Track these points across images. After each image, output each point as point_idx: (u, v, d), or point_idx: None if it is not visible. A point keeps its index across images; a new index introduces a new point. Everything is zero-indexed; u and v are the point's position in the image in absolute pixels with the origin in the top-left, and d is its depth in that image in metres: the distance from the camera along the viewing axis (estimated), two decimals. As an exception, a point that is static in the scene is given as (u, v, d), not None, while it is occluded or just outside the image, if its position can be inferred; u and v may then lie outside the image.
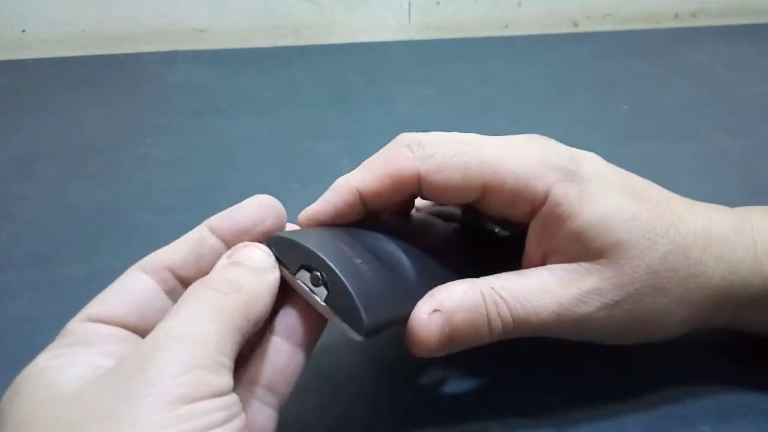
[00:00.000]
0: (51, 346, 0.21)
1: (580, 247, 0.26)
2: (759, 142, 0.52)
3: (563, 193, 0.26)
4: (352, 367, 0.31)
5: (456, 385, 0.30)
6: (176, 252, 0.25)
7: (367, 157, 0.28)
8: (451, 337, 0.25)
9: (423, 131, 0.29)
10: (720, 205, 0.30)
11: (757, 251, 0.27)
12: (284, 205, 0.33)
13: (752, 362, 0.30)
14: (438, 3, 0.78)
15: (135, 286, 0.23)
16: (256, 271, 0.23)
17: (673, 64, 0.68)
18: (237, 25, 0.75)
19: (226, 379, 0.20)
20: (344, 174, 0.28)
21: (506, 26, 0.80)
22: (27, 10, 0.71)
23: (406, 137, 0.28)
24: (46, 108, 0.59)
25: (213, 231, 0.26)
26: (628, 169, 0.29)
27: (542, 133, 0.30)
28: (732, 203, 0.42)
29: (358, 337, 0.23)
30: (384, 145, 0.28)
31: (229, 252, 0.24)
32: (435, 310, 0.25)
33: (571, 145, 0.29)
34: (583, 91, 0.62)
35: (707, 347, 0.32)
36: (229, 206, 0.46)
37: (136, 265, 0.24)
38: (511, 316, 0.26)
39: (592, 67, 0.68)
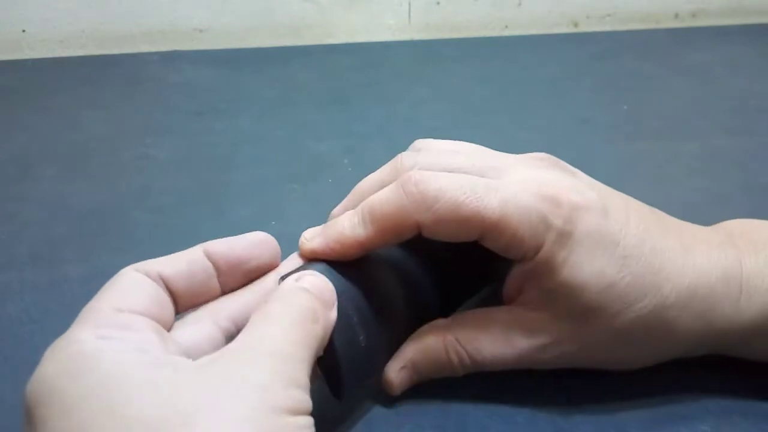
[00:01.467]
0: (87, 327, 0.21)
1: (551, 302, 0.27)
2: (759, 142, 0.52)
3: (550, 254, 0.27)
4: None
5: (456, 385, 0.30)
6: (171, 265, 0.26)
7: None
8: (419, 380, 0.29)
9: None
10: (721, 241, 0.29)
11: (740, 301, 0.28)
12: (284, 205, 0.33)
13: (753, 362, 0.30)
14: (438, 3, 0.78)
15: (144, 283, 0.24)
16: (328, 306, 0.25)
17: (673, 64, 0.68)
18: (237, 25, 0.75)
19: (309, 400, 0.21)
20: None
21: (506, 26, 0.80)
22: (27, 10, 0.71)
23: (405, 163, 0.29)
24: (46, 108, 0.59)
25: (208, 255, 0.27)
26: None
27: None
28: (732, 203, 0.43)
29: (335, 398, 0.26)
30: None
31: (296, 275, 0.25)
32: (402, 368, 0.29)
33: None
34: (583, 91, 0.62)
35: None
36: (229, 206, 0.46)
37: (132, 267, 0.25)
38: (471, 363, 0.28)
39: (592, 67, 0.68)
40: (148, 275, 0.24)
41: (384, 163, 0.31)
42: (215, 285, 0.27)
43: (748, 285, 0.28)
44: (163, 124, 0.56)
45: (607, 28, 0.82)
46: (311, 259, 0.28)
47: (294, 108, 0.59)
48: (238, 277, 0.27)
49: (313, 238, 0.28)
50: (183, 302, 0.26)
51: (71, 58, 0.71)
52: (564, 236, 0.26)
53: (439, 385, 0.30)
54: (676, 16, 0.83)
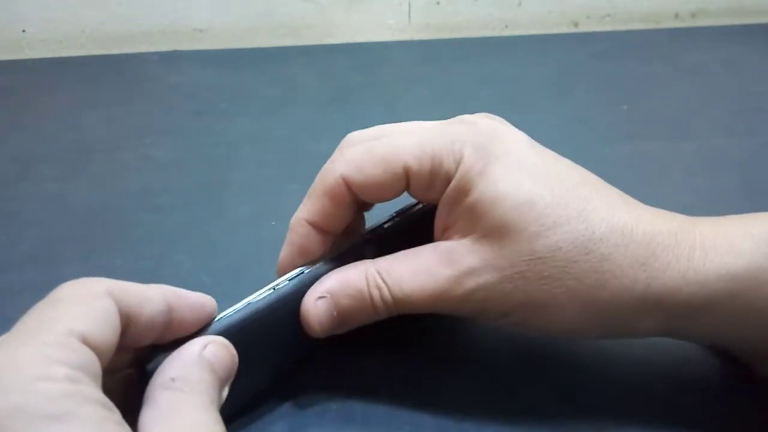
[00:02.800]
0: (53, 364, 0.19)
1: (471, 224, 0.26)
2: (759, 142, 0.52)
3: (468, 168, 0.26)
4: (351, 367, 0.31)
5: (455, 385, 0.30)
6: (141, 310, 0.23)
7: None
8: (340, 317, 0.27)
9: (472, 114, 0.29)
10: (675, 213, 0.28)
11: (694, 258, 0.25)
12: (284, 205, 0.33)
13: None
14: (438, 3, 0.78)
15: (112, 317, 0.22)
16: (224, 383, 0.24)
17: (673, 64, 0.68)
18: (237, 25, 0.75)
19: None
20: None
21: (506, 26, 0.80)
22: (27, 10, 0.71)
23: (339, 147, 0.30)
24: (46, 108, 0.59)
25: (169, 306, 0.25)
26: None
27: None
28: (732, 203, 0.43)
29: None
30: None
31: (203, 341, 0.24)
32: (321, 297, 0.27)
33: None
34: (583, 91, 0.62)
35: (708, 347, 0.32)
36: (229, 206, 0.46)
37: (104, 288, 0.22)
38: (392, 298, 0.27)
39: (592, 67, 0.68)
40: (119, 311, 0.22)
41: None
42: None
43: (703, 244, 0.26)
44: (163, 124, 0.56)
45: (607, 28, 0.82)
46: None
47: (294, 108, 0.59)
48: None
49: (333, 329, 0.28)
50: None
51: (71, 58, 0.71)
52: (481, 149, 0.26)
53: (439, 385, 0.30)
54: (676, 16, 0.82)
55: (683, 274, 0.25)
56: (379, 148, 0.28)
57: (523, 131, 0.30)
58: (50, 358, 0.19)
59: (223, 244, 0.40)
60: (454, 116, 0.30)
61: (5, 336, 0.20)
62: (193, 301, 0.25)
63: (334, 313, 0.27)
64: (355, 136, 0.30)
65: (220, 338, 0.25)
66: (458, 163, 0.27)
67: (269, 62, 0.69)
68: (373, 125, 0.30)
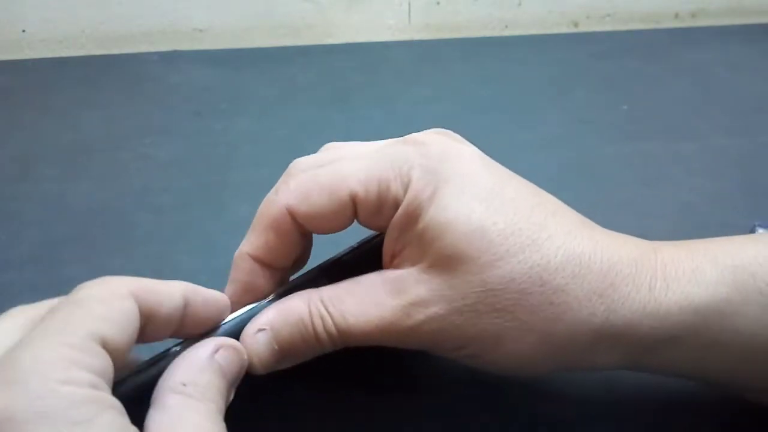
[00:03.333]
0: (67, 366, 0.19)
1: (420, 251, 0.25)
2: (759, 142, 0.52)
3: (416, 193, 0.25)
4: (353, 371, 0.31)
5: (456, 385, 0.30)
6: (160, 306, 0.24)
7: None
8: (281, 351, 0.25)
9: (423, 131, 0.29)
10: (636, 238, 0.27)
11: (656, 289, 0.24)
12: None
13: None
14: (438, 3, 0.78)
15: (132, 318, 0.22)
16: (233, 385, 0.24)
17: (673, 64, 0.68)
18: (237, 25, 0.75)
19: None
20: None
21: (506, 26, 0.80)
22: (27, 10, 0.71)
23: (283, 176, 0.29)
24: (46, 108, 0.59)
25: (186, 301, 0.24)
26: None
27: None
28: (732, 203, 0.43)
29: None
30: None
31: (215, 344, 0.24)
32: (260, 330, 0.25)
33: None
34: (583, 91, 0.62)
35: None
36: (229, 206, 0.46)
37: (127, 288, 0.23)
38: (336, 330, 0.25)
39: (592, 67, 0.68)
40: (140, 310, 0.22)
41: None
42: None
43: (665, 273, 0.24)
44: (162, 124, 0.56)
45: (607, 28, 0.82)
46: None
47: (294, 108, 0.59)
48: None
49: (276, 363, 0.26)
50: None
51: (71, 58, 0.71)
52: (430, 172, 0.25)
53: (439, 385, 0.30)
54: (676, 16, 0.82)
55: (644, 305, 0.24)
56: (324, 175, 0.26)
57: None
58: (74, 362, 0.19)
59: (223, 244, 0.40)
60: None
61: (29, 334, 0.20)
62: (208, 296, 0.25)
63: (275, 347, 0.25)
64: (300, 162, 0.28)
65: (232, 341, 0.24)
66: (406, 187, 0.25)
67: (269, 62, 0.69)
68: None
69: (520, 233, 0.24)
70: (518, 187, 0.26)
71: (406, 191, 0.25)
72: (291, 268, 0.29)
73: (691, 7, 0.82)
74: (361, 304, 0.25)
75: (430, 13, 0.78)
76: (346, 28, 0.77)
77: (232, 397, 0.24)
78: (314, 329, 0.25)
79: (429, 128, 0.31)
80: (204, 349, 0.23)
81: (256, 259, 0.27)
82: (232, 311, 0.27)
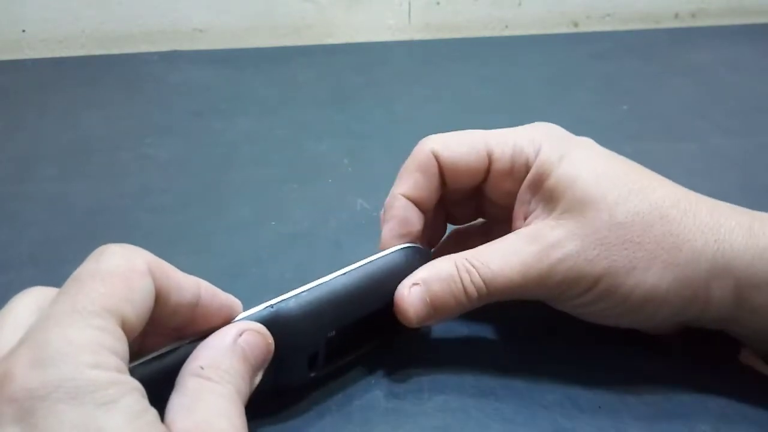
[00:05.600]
0: (85, 353, 0.20)
1: (552, 205, 0.29)
2: (759, 142, 0.52)
3: (547, 156, 0.29)
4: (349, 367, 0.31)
5: (456, 385, 0.30)
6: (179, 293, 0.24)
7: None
8: (433, 305, 0.29)
9: (423, 131, 0.32)
10: None
11: (753, 226, 0.27)
12: (284, 205, 0.33)
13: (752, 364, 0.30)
14: (438, 3, 0.78)
15: (149, 298, 0.22)
16: (257, 369, 0.25)
17: (673, 64, 0.68)
18: (237, 25, 0.75)
19: None
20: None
21: (506, 26, 0.80)
22: (27, 10, 0.71)
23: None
24: (46, 108, 0.59)
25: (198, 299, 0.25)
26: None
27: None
28: (732, 203, 0.42)
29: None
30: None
31: (240, 327, 0.25)
32: (414, 284, 0.29)
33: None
34: (583, 91, 0.62)
35: (708, 347, 0.32)
36: (229, 206, 0.46)
37: (145, 264, 0.23)
38: (482, 280, 0.28)
39: (592, 67, 0.68)
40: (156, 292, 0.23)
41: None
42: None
43: (759, 216, 0.28)
44: (163, 124, 0.56)
45: (607, 28, 0.82)
46: None
47: (294, 108, 0.59)
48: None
49: (427, 318, 0.29)
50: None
51: (71, 58, 0.71)
52: (557, 142, 0.30)
53: (439, 385, 0.30)
54: (676, 16, 0.83)
55: (745, 240, 0.27)
56: (465, 132, 0.31)
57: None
58: (102, 345, 0.20)
59: (223, 244, 0.40)
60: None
61: (53, 307, 0.20)
62: (223, 300, 0.25)
63: (427, 299, 0.28)
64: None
65: (257, 325, 0.25)
66: (537, 152, 0.30)
67: (269, 62, 0.69)
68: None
69: (637, 180, 0.28)
70: (627, 159, 0.31)
71: (536, 156, 0.30)
72: (427, 237, 0.33)
73: (691, 7, 0.82)
74: (503, 255, 0.28)
75: (430, 13, 0.78)
76: (346, 28, 0.77)
77: (258, 380, 0.24)
78: (462, 283, 0.28)
79: (429, 128, 0.32)
80: (227, 333, 0.24)
81: (407, 197, 0.31)
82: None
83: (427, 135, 0.32)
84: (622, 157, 0.30)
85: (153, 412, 0.20)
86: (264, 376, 0.25)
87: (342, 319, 0.28)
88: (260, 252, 0.39)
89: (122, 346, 0.20)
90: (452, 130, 0.32)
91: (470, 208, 0.34)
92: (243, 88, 0.63)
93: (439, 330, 0.33)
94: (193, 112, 0.58)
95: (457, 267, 0.29)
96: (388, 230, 0.31)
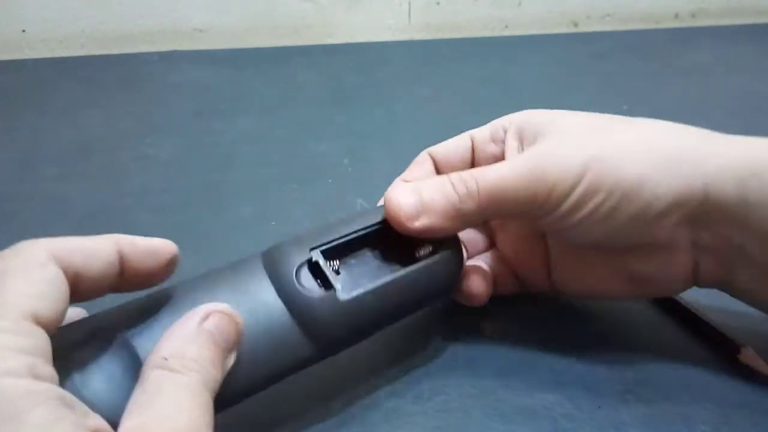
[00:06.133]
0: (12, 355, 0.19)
1: (540, 138, 0.29)
2: (759, 142, 0.52)
3: (527, 113, 0.31)
4: (353, 368, 0.31)
5: (456, 385, 0.30)
6: (87, 263, 0.24)
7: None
8: (422, 202, 0.28)
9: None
10: None
11: (731, 138, 0.30)
12: (284, 205, 0.33)
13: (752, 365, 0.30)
14: (438, 3, 0.78)
15: (62, 288, 0.22)
16: (228, 350, 0.24)
17: (673, 64, 0.68)
18: (237, 25, 0.75)
19: None
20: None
21: (506, 26, 0.80)
22: (27, 10, 0.71)
23: None
24: (46, 108, 0.59)
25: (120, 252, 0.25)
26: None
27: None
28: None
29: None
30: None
31: (205, 310, 0.24)
32: (405, 181, 0.30)
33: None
34: (583, 91, 0.62)
35: (708, 347, 0.32)
36: (229, 206, 0.46)
37: (46, 250, 0.23)
38: (474, 178, 0.28)
39: (592, 67, 0.68)
40: (65, 272, 0.22)
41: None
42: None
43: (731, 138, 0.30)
44: (163, 124, 0.56)
45: (607, 28, 0.82)
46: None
47: (294, 108, 0.59)
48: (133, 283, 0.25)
49: (417, 215, 0.28)
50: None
51: (71, 58, 0.71)
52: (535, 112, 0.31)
53: (439, 385, 0.30)
54: (676, 16, 0.83)
55: (727, 143, 0.30)
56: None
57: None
58: (9, 348, 0.18)
59: (223, 244, 0.40)
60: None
61: None
62: (148, 247, 0.25)
63: (420, 195, 0.28)
64: None
65: (223, 305, 0.24)
66: (513, 116, 0.32)
67: (269, 62, 0.69)
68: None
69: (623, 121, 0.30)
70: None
71: (514, 117, 0.31)
72: None
73: (691, 7, 0.82)
74: (495, 167, 0.28)
75: (430, 13, 0.78)
76: (346, 28, 0.77)
77: (232, 362, 0.23)
78: (453, 185, 0.28)
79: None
80: (191, 318, 0.23)
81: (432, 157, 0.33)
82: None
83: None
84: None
85: (71, 420, 0.18)
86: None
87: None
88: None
89: (37, 342, 0.19)
90: (452, 130, 0.32)
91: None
92: (243, 88, 0.63)
93: (439, 330, 0.33)
94: (193, 112, 0.58)
95: (450, 177, 0.29)
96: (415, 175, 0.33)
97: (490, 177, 0.28)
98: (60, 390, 0.19)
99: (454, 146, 0.33)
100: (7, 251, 0.22)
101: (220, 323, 0.23)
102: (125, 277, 0.24)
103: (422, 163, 0.33)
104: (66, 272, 0.22)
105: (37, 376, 0.18)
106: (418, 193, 0.28)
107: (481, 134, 0.33)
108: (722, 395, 0.29)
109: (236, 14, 0.74)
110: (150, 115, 0.58)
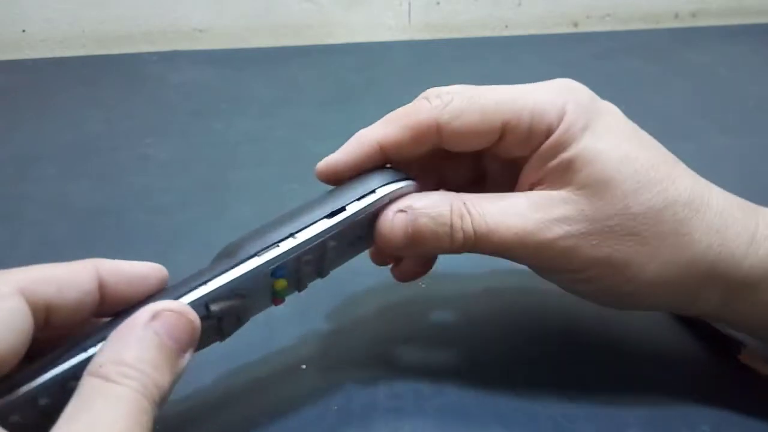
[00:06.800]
0: None
1: (567, 177, 0.27)
2: (759, 142, 0.52)
3: (572, 122, 0.27)
4: (354, 368, 0.31)
5: (456, 385, 0.30)
6: (61, 294, 0.22)
7: None
8: (413, 237, 0.27)
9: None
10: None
11: (757, 233, 0.27)
12: (284, 205, 0.32)
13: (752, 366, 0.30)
14: (438, 3, 0.78)
15: (25, 326, 0.21)
16: (183, 350, 0.22)
17: (673, 64, 0.68)
18: (237, 25, 0.75)
19: None
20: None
21: (506, 26, 0.80)
22: (27, 10, 0.71)
23: (427, 92, 0.30)
24: (46, 108, 0.59)
25: (101, 278, 0.23)
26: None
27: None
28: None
29: None
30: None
31: (152, 309, 0.22)
32: (401, 210, 0.27)
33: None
34: (583, 91, 0.62)
35: (708, 347, 0.32)
36: (229, 206, 0.46)
37: (16, 289, 0.21)
38: (474, 230, 0.26)
39: (592, 67, 0.68)
40: (33, 308, 0.21)
41: None
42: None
43: (765, 221, 0.27)
44: (163, 124, 0.56)
45: (607, 28, 0.82)
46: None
47: (294, 108, 0.59)
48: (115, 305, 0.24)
49: (404, 248, 0.27)
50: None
51: (71, 58, 0.71)
52: (584, 107, 0.27)
53: (439, 385, 0.30)
54: (676, 16, 0.83)
55: (746, 247, 0.26)
56: (480, 98, 0.28)
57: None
58: None
59: (223, 244, 0.40)
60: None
61: None
62: (133, 273, 0.24)
63: (410, 230, 0.27)
64: (447, 88, 0.30)
65: (173, 303, 0.22)
66: (561, 117, 0.27)
67: (269, 62, 0.69)
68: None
69: (658, 168, 0.27)
70: (649, 135, 0.29)
71: (560, 122, 0.27)
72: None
73: (691, 7, 0.82)
74: (504, 213, 0.27)
75: (430, 13, 0.78)
76: (346, 28, 0.77)
77: (186, 361, 0.22)
78: (452, 225, 0.27)
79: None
80: (136, 319, 0.21)
81: (383, 148, 0.28)
82: (331, 175, 0.28)
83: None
84: (645, 135, 0.29)
85: None
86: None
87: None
88: (260, 252, 0.39)
89: None
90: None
91: (466, 168, 0.32)
92: (243, 88, 0.63)
93: (439, 329, 0.33)
94: (193, 112, 0.58)
95: (451, 208, 0.27)
96: (342, 160, 0.29)
97: (493, 238, 0.26)
98: None
99: (476, 130, 0.28)
100: None
101: (171, 322, 0.22)
102: (108, 303, 0.23)
103: (417, 137, 0.28)
104: (35, 305, 0.21)
105: None
106: (410, 226, 0.27)
107: (518, 128, 0.27)
108: (722, 395, 0.29)
109: (236, 14, 0.74)
110: (150, 115, 0.58)
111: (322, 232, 0.26)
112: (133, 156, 0.51)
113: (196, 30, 0.74)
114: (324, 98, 0.61)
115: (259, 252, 0.26)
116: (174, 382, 0.22)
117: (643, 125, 0.28)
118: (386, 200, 0.27)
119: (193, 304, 0.23)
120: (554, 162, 0.27)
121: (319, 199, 0.28)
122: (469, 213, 0.27)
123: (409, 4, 0.77)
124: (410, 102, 0.30)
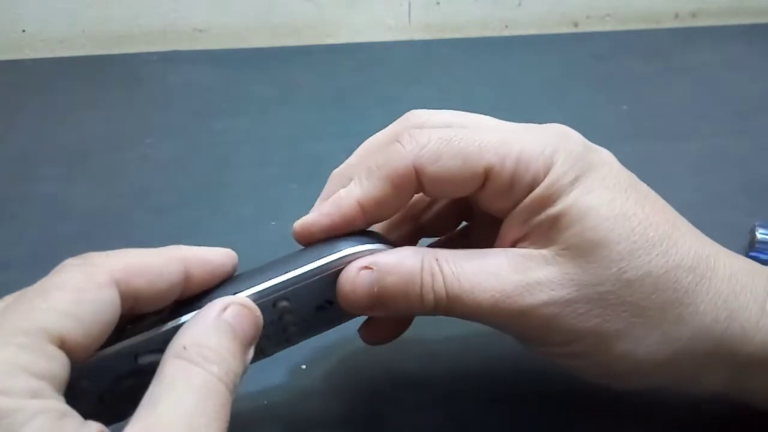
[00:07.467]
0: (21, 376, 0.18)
1: (552, 235, 0.23)
2: (759, 142, 0.52)
3: (559, 176, 0.24)
4: (354, 369, 0.31)
5: (456, 386, 0.30)
6: (149, 283, 0.22)
7: None
8: (379, 297, 0.24)
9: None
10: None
11: (767, 303, 0.24)
12: (284, 205, 0.33)
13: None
14: (438, 3, 0.78)
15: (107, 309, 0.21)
16: (248, 345, 0.23)
17: (673, 64, 0.68)
18: (237, 25, 0.75)
19: None
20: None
21: (506, 26, 0.80)
22: (27, 10, 0.71)
23: (400, 130, 0.27)
24: (46, 108, 0.59)
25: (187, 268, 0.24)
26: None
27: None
28: (732, 203, 0.43)
29: None
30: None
31: (223, 302, 0.23)
32: (366, 267, 0.24)
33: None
34: (583, 91, 0.62)
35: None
36: (229, 206, 0.46)
37: (107, 277, 0.21)
38: (446, 291, 0.23)
39: (592, 67, 0.68)
40: (124, 296, 0.21)
41: None
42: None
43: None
44: (163, 124, 0.56)
45: (607, 28, 0.82)
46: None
47: (294, 108, 0.59)
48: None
49: (370, 307, 0.25)
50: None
51: (71, 58, 0.71)
52: (575, 158, 0.24)
53: (439, 385, 0.30)
54: (676, 16, 0.82)
55: (756, 319, 0.24)
56: (460, 140, 0.24)
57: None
58: (17, 365, 0.18)
59: (223, 244, 0.40)
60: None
61: None
62: (215, 263, 0.24)
63: (375, 290, 0.24)
64: (422, 116, 0.27)
65: (242, 298, 0.23)
66: (548, 168, 0.24)
67: (269, 62, 0.69)
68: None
69: (657, 227, 0.23)
70: (647, 187, 0.26)
71: (546, 174, 0.24)
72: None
73: (691, 7, 0.82)
74: (480, 272, 0.23)
75: (430, 13, 0.78)
76: (346, 28, 0.77)
77: (251, 356, 0.23)
78: (422, 285, 0.24)
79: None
80: (210, 308, 0.22)
81: (363, 208, 0.25)
82: (307, 236, 0.25)
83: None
84: (644, 187, 0.26)
85: (70, 428, 0.18)
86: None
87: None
88: (260, 252, 0.39)
89: (50, 365, 0.19)
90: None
91: (449, 217, 0.29)
92: (243, 88, 0.63)
93: (439, 330, 0.33)
94: (193, 112, 0.58)
95: (422, 265, 0.24)
96: (319, 223, 0.25)
97: (465, 301, 0.23)
98: (56, 405, 0.18)
99: (457, 176, 0.24)
100: (73, 261, 0.21)
101: (240, 314, 0.22)
102: (191, 289, 0.24)
103: (399, 187, 0.25)
104: (125, 296, 0.21)
105: (36, 397, 0.18)
106: (376, 286, 0.24)
107: (500, 175, 0.24)
108: (722, 398, 0.29)
109: (236, 14, 0.74)
110: (150, 115, 0.58)
111: (266, 289, 0.24)
112: (133, 156, 0.51)
113: (196, 30, 0.74)
114: (324, 98, 0.61)
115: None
116: (242, 375, 0.22)
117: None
118: (348, 260, 0.25)
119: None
120: (540, 217, 0.24)
121: (282, 258, 0.26)
122: (441, 271, 0.24)
123: (409, 4, 0.77)
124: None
